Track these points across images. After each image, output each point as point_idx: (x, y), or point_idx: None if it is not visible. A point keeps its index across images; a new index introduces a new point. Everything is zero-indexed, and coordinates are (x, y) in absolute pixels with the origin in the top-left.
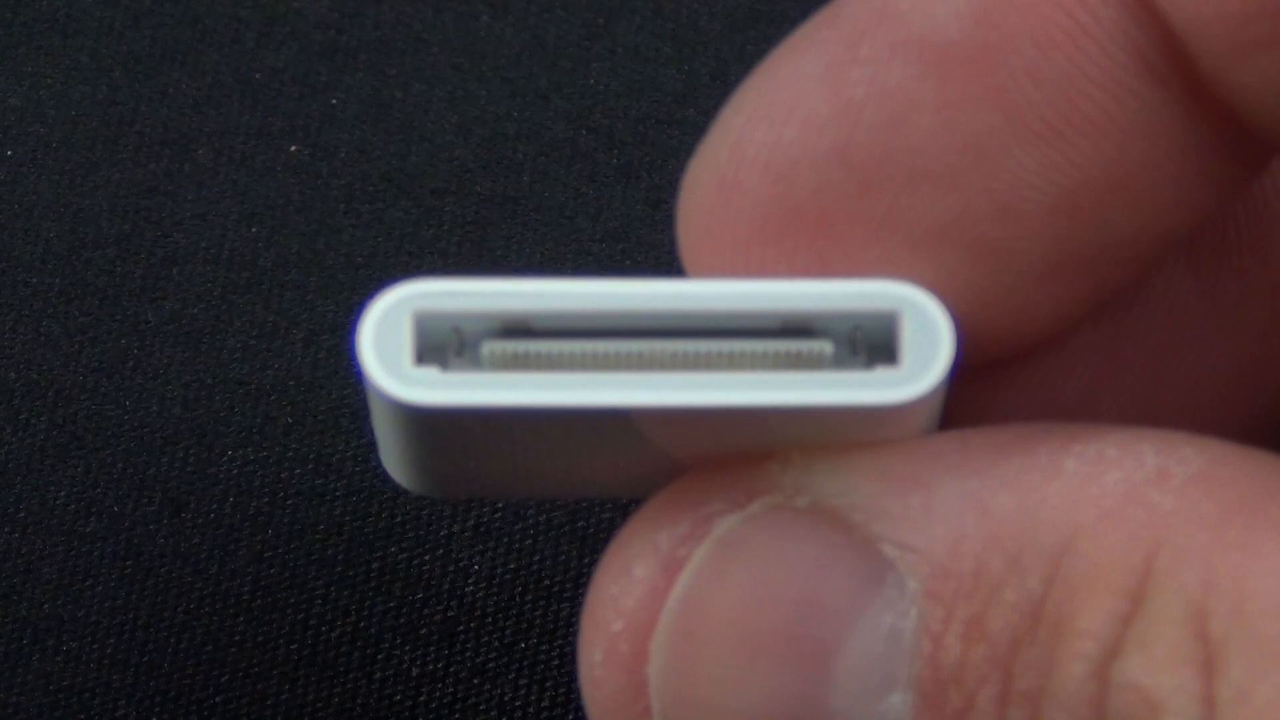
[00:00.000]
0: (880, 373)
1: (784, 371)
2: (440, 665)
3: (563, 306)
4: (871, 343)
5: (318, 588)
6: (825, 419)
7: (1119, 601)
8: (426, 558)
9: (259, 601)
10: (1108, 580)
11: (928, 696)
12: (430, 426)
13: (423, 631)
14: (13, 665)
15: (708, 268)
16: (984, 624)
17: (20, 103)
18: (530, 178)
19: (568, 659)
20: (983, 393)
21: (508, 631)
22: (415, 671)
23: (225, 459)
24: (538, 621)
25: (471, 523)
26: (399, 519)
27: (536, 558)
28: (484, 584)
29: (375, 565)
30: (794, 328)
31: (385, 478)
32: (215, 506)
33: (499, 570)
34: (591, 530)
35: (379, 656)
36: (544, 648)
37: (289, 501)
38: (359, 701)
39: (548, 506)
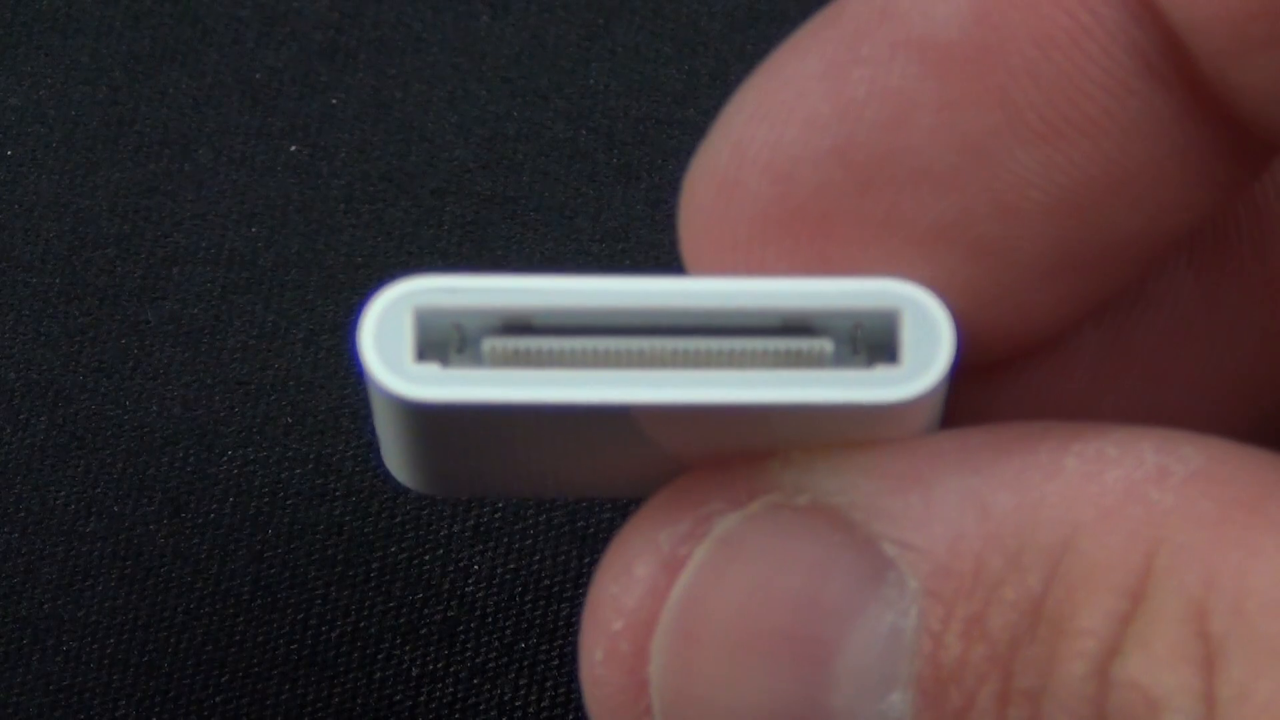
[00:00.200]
0: (880, 371)
1: (784, 369)
2: (440, 665)
3: (564, 303)
4: (872, 341)
5: (318, 588)
6: (825, 417)
7: (1119, 600)
8: (426, 558)
9: (259, 601)
10: (1108, 578)
11: (928, 695)
12: (431, 423)
13: (423, 631)
14: (13, 665)
15: (709, 267)
16: (984, 622)
17: (20, 103)
18: (530, 178)
19: (568, 659)
20: (983, 393)
21: (508, 631)
22: (415, 671)
23: (225, 459)
24: (538, 621)
25: (471, 523)
26: (399, 519)
27: (536, 558)
28: (484, 584)
29: (375, 565)
30: (795, 326)
31: (385, 478)
32: (215, 506)
33: (499, 570)
34: (591, 530)
35: (379, 656)
36: (544, 648)
37: (289, 501)
38: (359, 701)
39: (548, 506)
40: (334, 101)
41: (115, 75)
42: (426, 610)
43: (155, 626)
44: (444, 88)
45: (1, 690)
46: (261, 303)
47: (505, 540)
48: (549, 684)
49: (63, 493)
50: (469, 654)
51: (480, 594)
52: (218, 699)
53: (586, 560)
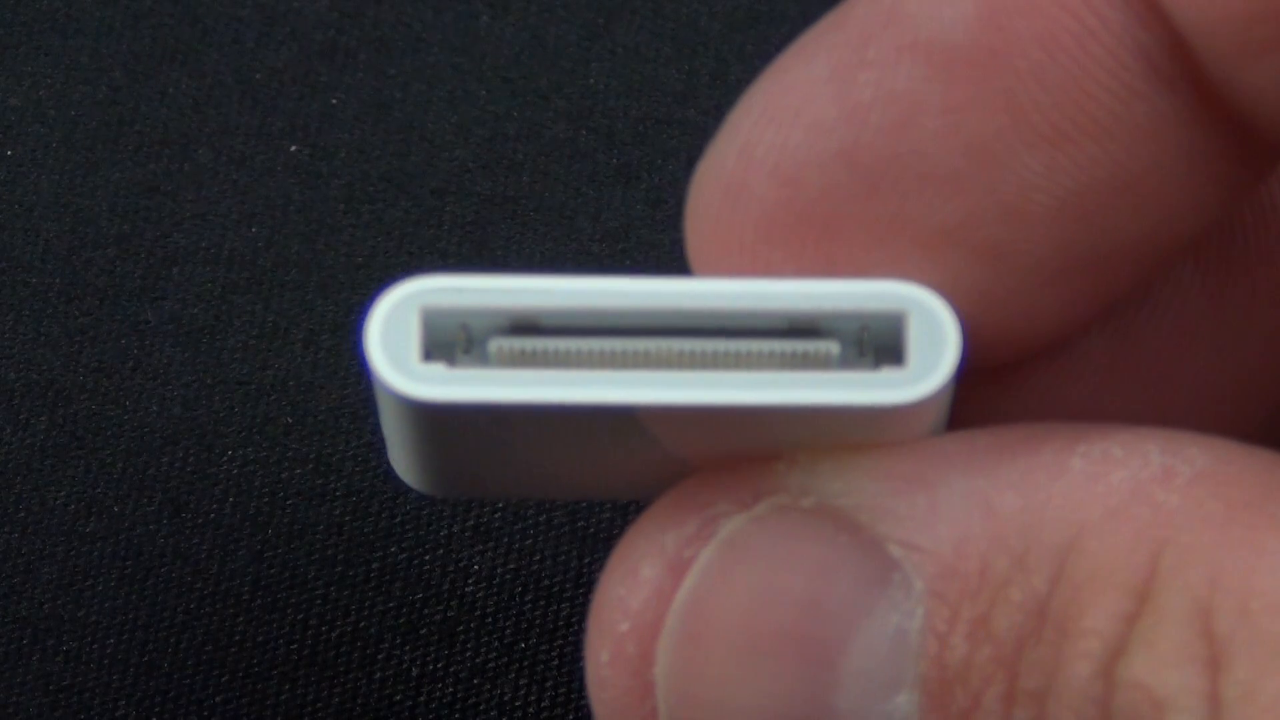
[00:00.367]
0: (887, 373)
1: (791, 371)
2: (440, 665)
3: (571, 304)
4: (878, 343)
5: (318, 588)
6: (831, 419)
7: (1124, 600)
8: (426, 558)
9: (259, 601)
10: (1113, 579)
11: (933, 696)
12: (437, 423)
13: (423, 631)
14: (13, 665)
15: (715, 269)
16: (989, 623)
17: (20, 103)
18: (530, 178)
19: (568, 659)
20: (989, 396)
21: (508, 631)
22: (415, 671)
23: (225, 459)
24: (538, 621)
25: (471, 523)
26: (399, 519)
27: (536, 558)
28: (484, 584)
29: (375, 565)
30: (801, 328)
31: (385, 478)
32: (215, 506)
33: (499, 570)
34: (591, 530)
35: (379, 656)
36: (544, 648)
37: (289, 501)
38: (359, 701)
39: (548, 506)
40: (334, 101)
41: (115, 75)
42: (426, 610)
43: (155, 626)
44: (444, 88)
45: (1, 690)
46: (261, 303)
47: (505, 540)
48: (549, 684)
49: (63, 493)
50: (469, 654)
51: (480, 594)
52: (218, 699)
53: (586, 560)
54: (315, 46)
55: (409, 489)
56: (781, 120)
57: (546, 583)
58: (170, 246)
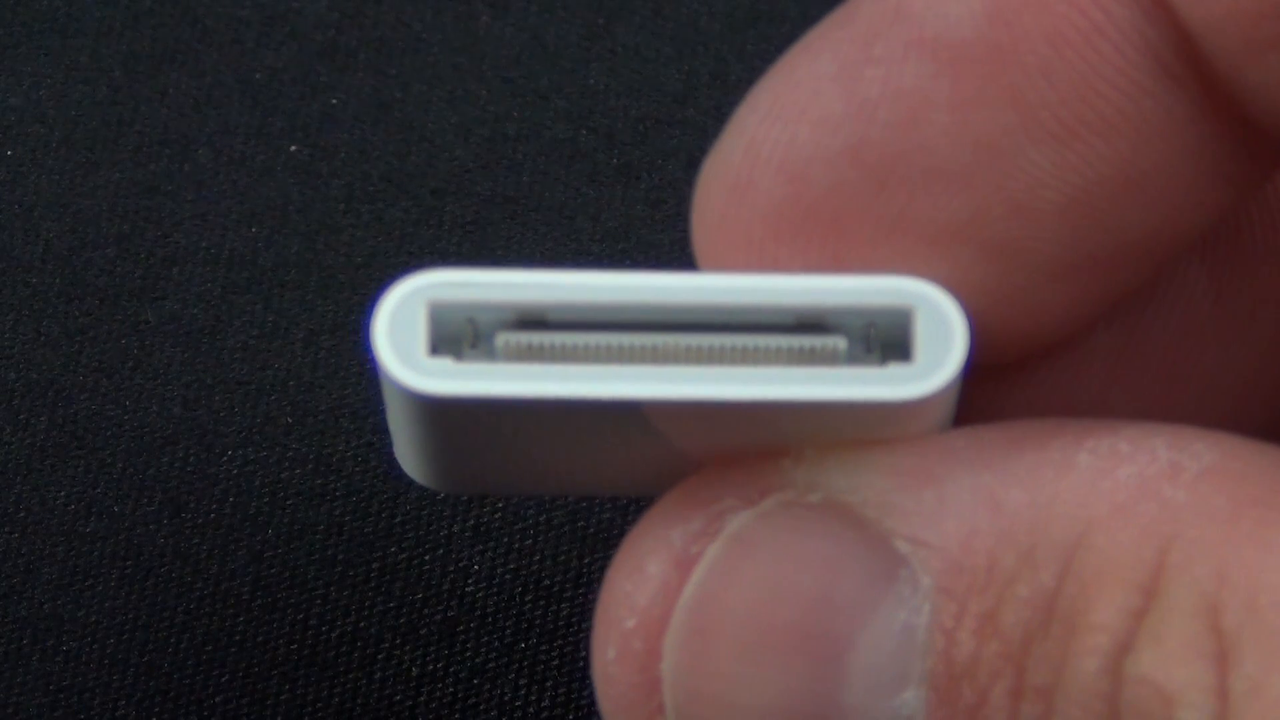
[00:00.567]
0: (894, 369)
1: (798, 367)
2: (440, 665)
3: (578, 299)
4: (886, 339)
5: (318, 588)
6: (838, 415)
7: (1132, 596)
8: (426, 558)
9: (259, 601)
10: (1120, 574)
11: (941, 692)
12: (443, 418)
13: (423, 631)
14: (13, 665)
15: (721, 266)
16: (997, 619)
17: (20, 103)
18: (530, 178)
19: (568, 659)
20: (996, 393)
21: (508, 631)
22: (415, 671)
23: (225, 459)
24: (538, 621)
25: (471, 523)
26: (399, 519)
27: (536, 558)
28: (484, 584)
29: (375, 565)
30: (808, 323)
31: (385, 478)
32: (215, 506)
33: (499, 570)
34: (591, 530)
35: (379, 656)
36: (544, 648)
37: (289, 501)
38: (359, 701)
39: (548, 506)
40: (334, 101)
41: (115, 75)
42: (426, 610)
43: (155, 626)
44: (444, 88)
45: (1, 690)
46: (261, 303)
47: (505, 540)
48: (549, 684)
49: (63, 493)
50: (469, 654)
51: (480, 594)
52: (218, 699)
53: (586, 560)
54: (315, 46)
55: (409, 489)
56: (789, 117)
57: (546, 583)
58: (170, 246)
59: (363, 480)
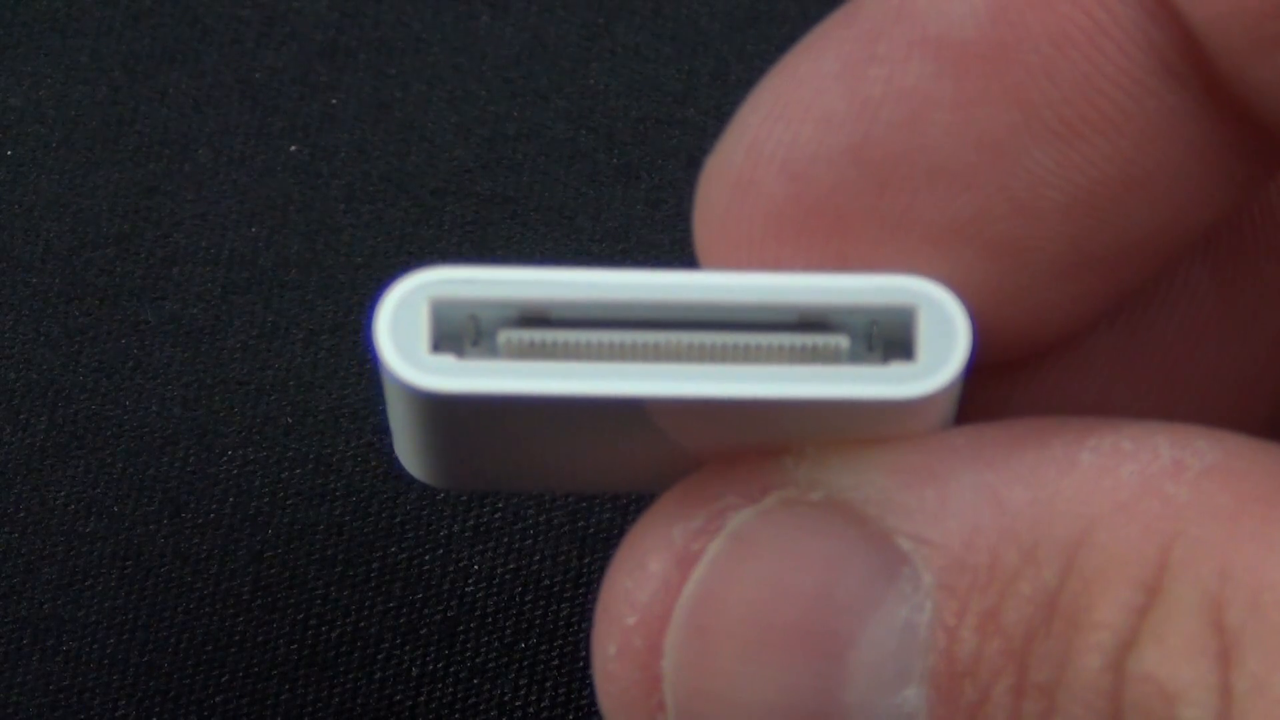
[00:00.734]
0: (896, 368)
1: (800, 365)
2: (440, 665)
3: (581, 296)
4: (888, 338)
5: (318, 588)
6: (840, 413)
7: (1135, 593)
8: (426, 558)
9: (259, 601)
10: (1123, 572)
11: (943, 690)
12: (445, 415)
13: (423, 631)
14: (13, 665)
15: (724, 265)
16: (999, 617)
17: (20, 103)
18: (530, 178)
19: (568, 659)
20: (999, 390)
21: (508, 631)
22: (415, 671)
23: (225, 459)
24: (538, 621)
25: (471, 523)
26: (399, 519)
27: (536, 558)
28: (484, 584)
29: (375, 565)
30: (811, 321)
31: (385, 478)
32: (215, 506)
33: (499, 570)
34: (591, 530)
35: (379, 656)
36: (544, 648)
37: (289, 501)
38: (359, 701)
39: (548, 506)
40: (334, 101)
41: (115, 75)
42: (426, 610)
43: (155, 626)
44: (444, 88)
45: (1, 690)
46: (261, 303)
47: (505, 540)
48: (549, 684)
49: (63, 493)
50: (469, 654)
51: (480, 594)
52: (218, 699)
53: (586, 560)
54: (315, 46)
55: (409, 489)
56: (791, 116)
57: (546, 583)
58: (170, 246)
59: (363, 480)
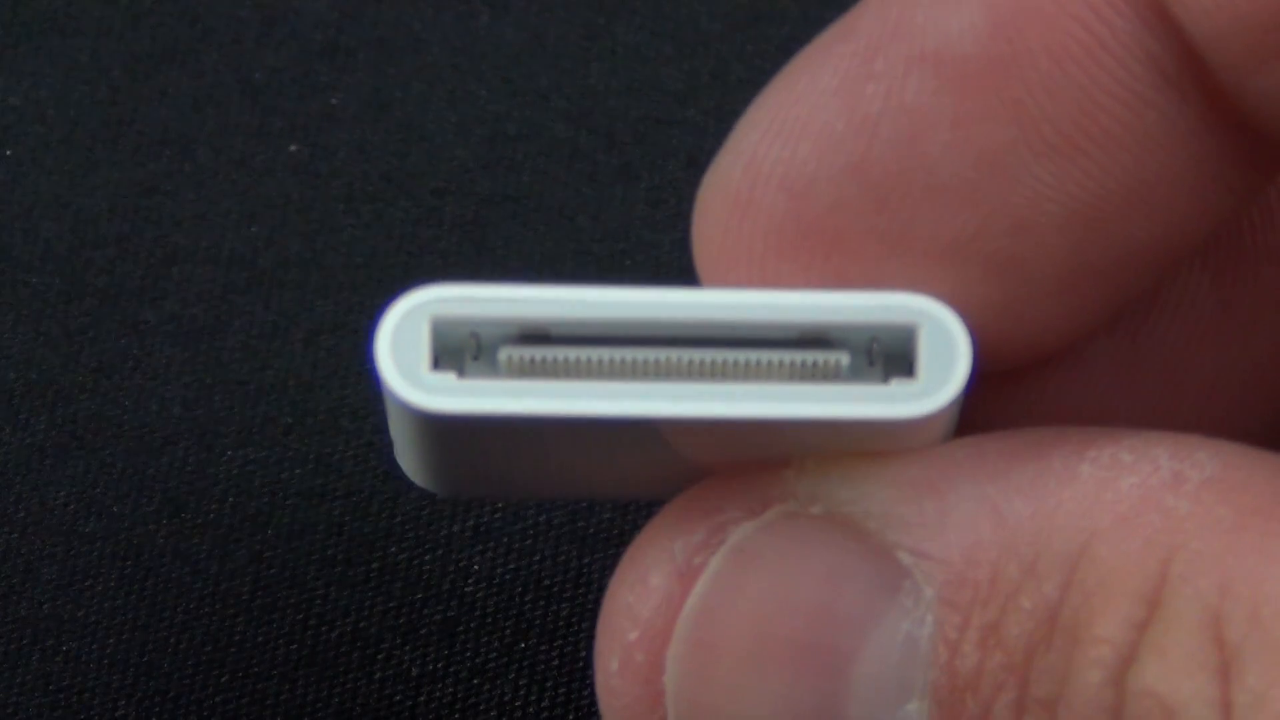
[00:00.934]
0: (897, 386)
1: (801, 383)
2: (440, 665)
3: (581, 314)
4: (889, 354)
5: (318, 588)
6: (841, 429)
7: (1135, 607)
8: (426, 558)
9: (259, 601)
10: (1124, 586)
11: (944, 705)
12: (446, 431)
13: (423, 631)
14: (13, 665)
15: (724, 282)
16: (1000, 631)
17: (20, 103)
18: (530, 178)
19: (568, 659)
20: (998, 401)
21: (508, 631)
22: (415, 671)
23: (225, 459)
24: (538, 621)
25: (471, 523)
26: (399, 519)
27: (536, 558)
28: (484, 584)
29: (375, 565)
30: (811, 338)
31: (385, 478)
32: (215, 506)
33: (499, 570)
34: (591, 530)
35: (379, 656)
36: (544, 648)
37: (289, 501)
38: (359, 701)
39: (548, 506)
40: (334, 101)
41: (115, 75)
42: (426, 610)
43: (155, 626)
44: (444, 88)
45: (1, 690)
46: (261, 303)
47: (505, 540)
48: (549, 684)
49: (63, 493)
50: (469, 654)
51: (480, 594)
52: (218, 699)
53: (586, 560)
54: (315, 46)
55: (409, 489)
56: (789, 133)
57: (546, 583)
58: (170, 246)
59: (363, 480)
